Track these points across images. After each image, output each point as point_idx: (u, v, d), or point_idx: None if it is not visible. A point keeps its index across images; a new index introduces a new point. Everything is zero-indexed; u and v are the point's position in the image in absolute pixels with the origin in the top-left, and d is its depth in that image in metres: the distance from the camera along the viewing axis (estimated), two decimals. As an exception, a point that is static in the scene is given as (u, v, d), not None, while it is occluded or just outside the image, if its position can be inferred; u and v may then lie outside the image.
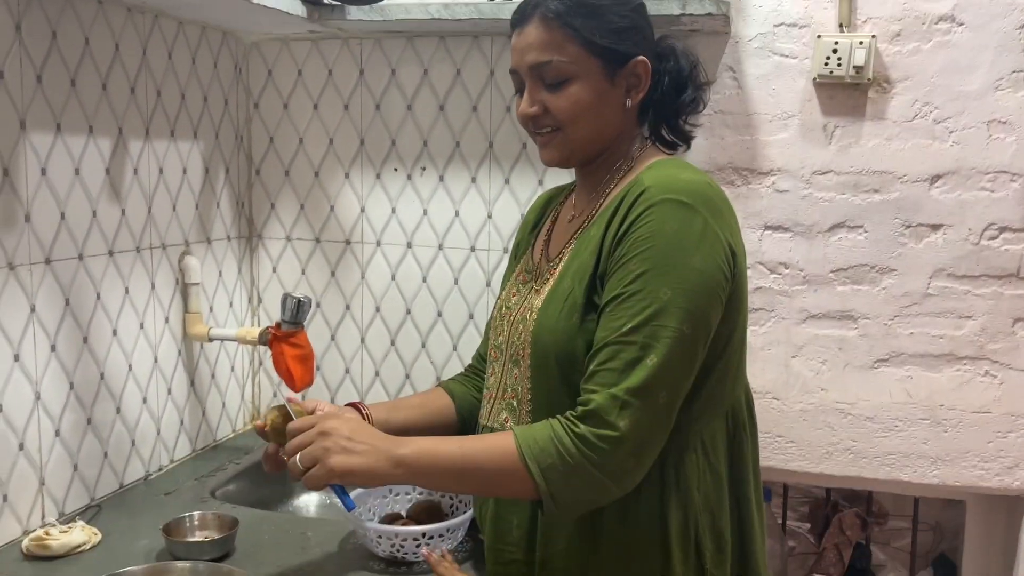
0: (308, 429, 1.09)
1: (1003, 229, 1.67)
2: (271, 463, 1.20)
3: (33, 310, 1.45)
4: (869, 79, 1.67)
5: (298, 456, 1.07)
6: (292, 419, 1.15)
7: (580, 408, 1.04)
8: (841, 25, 1.67)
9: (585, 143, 1.17)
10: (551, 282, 1.17)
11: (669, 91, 1.20)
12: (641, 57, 1.15)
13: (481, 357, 1.40)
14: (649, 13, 1.21)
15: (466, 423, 1.34)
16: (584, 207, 1.22)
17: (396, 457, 1.06)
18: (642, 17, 1.18)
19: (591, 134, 1.16)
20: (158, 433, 1.77)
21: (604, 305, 1.07)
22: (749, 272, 1.75)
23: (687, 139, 1.26)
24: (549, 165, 1.21)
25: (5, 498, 1.42)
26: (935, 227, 1.69)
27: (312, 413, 1.19)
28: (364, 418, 1.26)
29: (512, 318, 1.21)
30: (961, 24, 1.64)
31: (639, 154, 1.20)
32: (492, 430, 1.20)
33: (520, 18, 1.17)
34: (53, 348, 1.49)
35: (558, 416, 1.06)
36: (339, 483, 1.10)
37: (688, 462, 1.11)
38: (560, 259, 1.19)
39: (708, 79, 1.25)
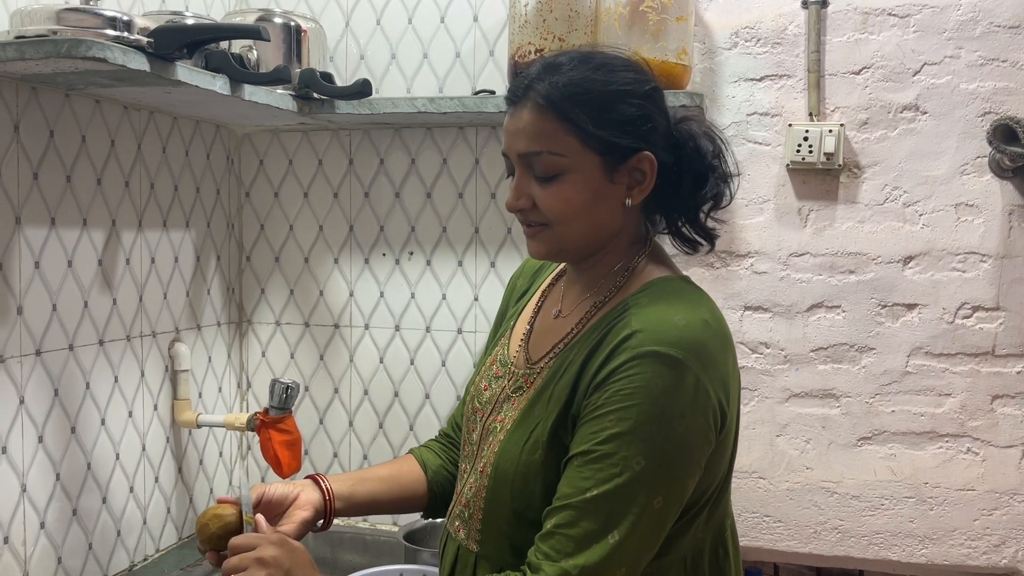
0: (249, 550, 1.03)
1: (976, 308, 1.71)
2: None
3: (22, 402, 1.46)
4: (840, 165, 1.73)
5: None
6: (228, 523, 1.11)
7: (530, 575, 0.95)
8: (811, 114, 1.75)
9: (576, 242, 1.05)
10: (527, 397, 1.07)
11: (687, 183, 1.06)
12: (646, 152, 1.02)
13: (456, 426, 1.31)
14: None
15: (436, 499, 1.27)
16: (572, 307, 1.11)
17: None
18: (654, 104, 1.04)
19: (583, 234, 1.05)
20: (144, 522, 1.76)
21: (572, 455, 0.97)
22: (731, 352, 1.77)
23: (710, 238, 1.12)
24: (536, 259, 1.10)
25: (-13, 593, 1.41)
26: (910, 306, 1.73)
27: (258, 517, 1.12)
28: (323, 492, 1.19)
29: (485, 420, 1.12)
30: (925, 113, 1.71)
31: (638, 262, 1.07)
32: (448, 534, 1.15)
33: (513, 97, 1.04)
34: (40, 439, 1.50)
35: None
36: None
37: None
38: (539, 371, 1.08)
39: (735, 170, 1.11)
